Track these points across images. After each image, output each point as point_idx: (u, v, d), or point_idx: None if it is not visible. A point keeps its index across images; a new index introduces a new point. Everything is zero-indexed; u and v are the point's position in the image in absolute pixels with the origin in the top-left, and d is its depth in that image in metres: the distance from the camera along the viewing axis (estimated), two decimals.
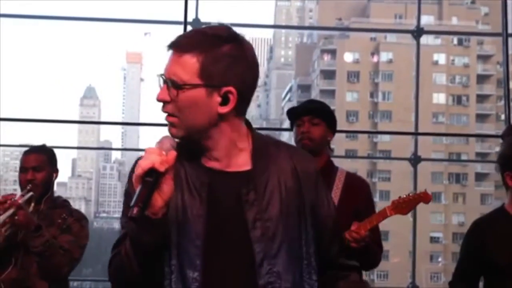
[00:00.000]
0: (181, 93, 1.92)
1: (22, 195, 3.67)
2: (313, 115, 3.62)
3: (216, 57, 1.92)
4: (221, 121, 1.97)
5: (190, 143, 2.01)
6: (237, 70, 1.94)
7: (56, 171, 3.87)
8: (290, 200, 2.03)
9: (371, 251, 3.61)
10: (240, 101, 1.96)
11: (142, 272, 1.94)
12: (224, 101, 1.95)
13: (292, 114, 3.74)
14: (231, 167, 2.03)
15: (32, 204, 3.71)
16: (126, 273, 1.96)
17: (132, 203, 1.79)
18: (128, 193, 2.02)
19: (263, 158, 2.05)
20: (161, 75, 1.97)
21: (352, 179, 3.68)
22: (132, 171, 1.97)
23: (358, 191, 3.66)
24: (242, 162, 2.03)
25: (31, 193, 3.70)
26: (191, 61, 1.92)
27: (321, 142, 3.63)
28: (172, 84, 1.93)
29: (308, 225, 2.06)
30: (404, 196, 3.63)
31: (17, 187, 3.88)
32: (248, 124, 2.08)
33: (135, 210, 1.79)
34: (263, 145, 2.07)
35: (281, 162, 2.07)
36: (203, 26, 2.04)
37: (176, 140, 1.97)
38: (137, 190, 1.82)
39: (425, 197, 3.63)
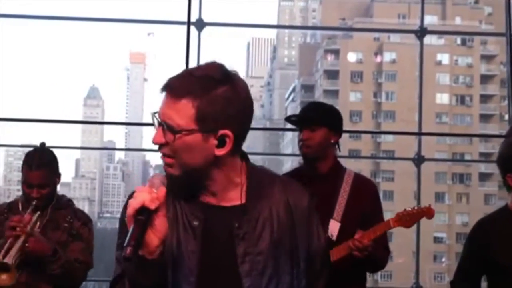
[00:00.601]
0: (177, 137, 1.92)
1: (30, 214, 3.64)
2: (309, 124, 3.59)
3: (211, 101, 1.91)
4: (218, 161, 1.97)
5: (186, 181, 2.00)
6: (233, 112, 1.93)
7: (59, 176, 3.83)
8: (282, 234, 2.04)
9: (376, 258, 3.62)
10: (236, 141, 1.96)
11: None
12: (221, 143, 1.95)
13: (290, 122, 3.73)
14: (226, 201, 2.03)
15: (38, 213, 3.69)
16: None
17: (126, 243, 1.78)
18: (121, 230, 2.00)
19: (256, 192, 2.05)
20: (155, 114, 1.96)
21: (360, 181, 3.66)
22: (125, 207, 1.97)
23: (366, 194, 3.63)
24: (236, 196, 2.03)
25: (38, 213, 3.67)
26: (187, 107, 1.91)
27: (322, 147, 3.60)
28: (167, 128, 1.93)
29: (299, 259, 2.07)
30: (409, 209, 3.64)
31: (21, 187, 3.84)
32: (243, 155, 2.08)
33: (128, 250, 1.78)
34: (257, 179, 2.07)
35: (275, 196, 2.07)
36: (194, 67, 2.01)
37: (167, 175, 1.98)
38: (130, 229, 1.81)
39: (429, 212, 3.66)
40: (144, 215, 1.82)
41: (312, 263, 2.11)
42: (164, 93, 1.96)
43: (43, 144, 3.91)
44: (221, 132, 1.93)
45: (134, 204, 1.83)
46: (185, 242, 1.99)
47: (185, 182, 2.00)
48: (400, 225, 3.61)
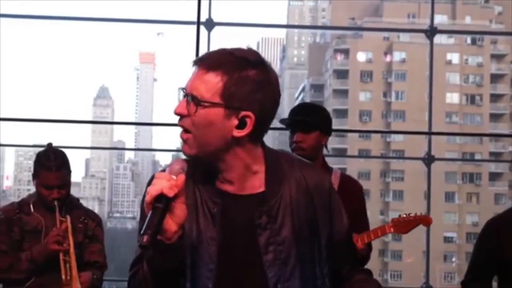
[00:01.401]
0: (199, 109, 1.90)
1: (61, 220, 3.68)
2: (305, 128, 3.62)
3: (241, 80, 1.90)
4: (235, 144, 1.95)
5: (203, 163, 1.99)
6: (259, 96, 1.92)
7: (70, 173, 3.84)
8: (303, 222, 2.02)
9: (366, 260, 3.68)
10: (257, 127, 1.94)
11: None
12: (241, 125, 1.92)
13: (284, 124, 3.74)
14: (245, 190, 2.01)
15: (68, 217, 3.73)
16: None
17: (142, 231, 1.79)
18: (142, 215, 2.00)
19: (276, 179, 2.02)
20: (183, 88, 1.94)
21: (346, 181, 3.71)
22: (145, 194, 1.97)
23: (353, 193, 3.68)
24: (256, 184, 2.01)
25: (68, 217, 3.71)
26: (215, 80, 1.90)
27: (315, 149, 3.63)
28: (192, 99, 1.91)
29: (321, 246, 2.05)
30: (405, 215, 3.68)
31: (31, 187, 3.85)
32: (262, 144, 2.06)
33: (145, 238, 1.78)
34: (276, 166, 2.04)
35: (294, 182, 2.04)
36: (229, 48, 1.97)
37: (187, 160, 1.96)
38: (148, 217, 1.81)
39: (426, 220, 3.69)
40: (163, 202, 1.82)
41: (335, 248, 2.09)
42: (195, 67, 1.95)
43: (50, 144, 3.90)
44: (244, 113, 1.91)
45: (152, 191, 1.82)
46: (205, 228, 1.98)
47: (201, 163, 1.99)
48: (396, 231, 3.65)
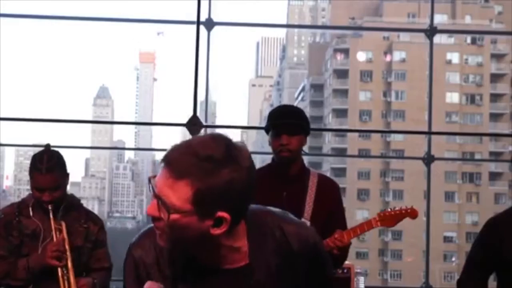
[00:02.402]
0: (171, 217, 1.84)
1: (58, 226, 3.65)
2: (292, 131, 3.66)
3: (211, 185, 1.83)
4: (214, 239, 1.90)
5: (179, 254, 1.97)
6: (233, 195, 1.85)
7: (67, 176, 3.76)
8: (287, 284, 2.02)
9: (343, 260, 3.79)
10: (235, 219, 1.89)
11: None
12: (217, 223, 1.86)
13: (273, 126, 3.75)
14: (227, 264, 1.97)
15: (63, 223, 3.67)
16: None
17: None
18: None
19: (259, 250, 1.99)
20: (150, 181, 1.90)
21: (324, 181, 3.79)
22: (127, 258, 2.02)
23: (331, 193, 3.77)
24: (239, 258, 1.97)
25: (63, 223, 3.67)
26: (185, 189, 1.83)
27: (299, 151, 3.70)
28: (162, 205, 1.85)
29: None
30: (390, 209, 3.73)
31: (31, 191, 3.79)
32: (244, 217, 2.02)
33: None
34: (259, 236, 2.00)
35: (279, 249, 2.02)
36: (195, 142, 1.89)
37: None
38: None
39: (412, 213, 3.72)
40: None
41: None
42: (162, 164, 1.88)
43: (48, 145, 3.82)
44: (219, 214, 1.85)
45: None
46: None
47: (177, 256, 1.96)
48: (383, 225, 3.71)
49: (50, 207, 3.62)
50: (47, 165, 3.63)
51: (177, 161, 1.85)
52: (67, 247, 3.57)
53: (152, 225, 1.93)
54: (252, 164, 1.90)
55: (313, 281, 2.08)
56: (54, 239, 3.59)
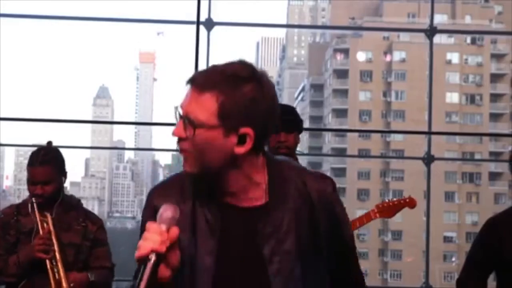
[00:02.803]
0: (197, 132, 1.88)
1: (42, 219, 3.63)
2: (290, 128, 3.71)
3: (235, 98, 1.86)
4: (237, 160, 1.92)
5: (204, 179, 1.97)
6: (256, 112, 1.89)
7: (65, 175, 3.75)
8: (307, 233, 1.99)
9: None
10: (257, 140, 1.91)
11: None
12: (241, 141, 1.90)
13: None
14: (247, 202, 1.97)
15: (49, 214, 3.66)
16: None
17: (136, 285, 1.77)
18: (142, 226, 1.97)
19: (279, 190, 1.99)
20: (177, 109, 1.92)
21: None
22: (146, 206, 2.04)
23: None
24: (258, 196, 1.98)
25: (49, 215, 3.65)
26: (210, 102, 1.87)
27: (295, 147, 3.75)
28: (189, 122, 1.88)
29: (324, 257, 2.03)
30: (388, 200, 3.72)
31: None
32: (264, 152, 2.02)
33: None
34: (279, 176, 2.01)
35: (297, 193, 2.01)
36: (222, 64, 1.94)
37: (186, 175, 1.97)
38: (141, 270, 1.78)
39: (411, 203, 3.73)
40: (155, 257, 1.80)
41: (339, 258, 2.07)
42: (188, 86, 1.92)
43: (49, 143, 3.86)
44: (243, 130, 1.88)
45: (143, 250, 1.79)
46: (202, 242, 1.96)
47: (202, 181, 1.97)
48: (382, 216, 3.71)
49: (34, 200, 3.63)
50: (42, 158, 3.65)
51: (202, 76, 1.91)
52: (54, 240, 3.56)
53: (172, 174, 1.99)
54: (275, 95, 1.96)
55: (331, 238, 2.04)
56: (40, 232, 3.58)
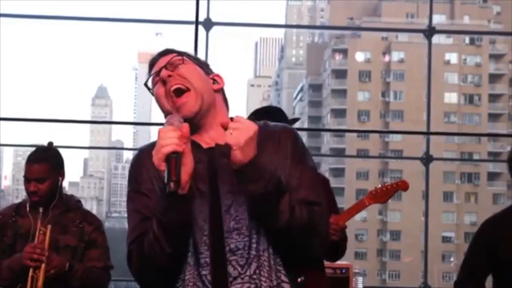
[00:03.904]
0: (185, 60, 2.20)
1: (39, 222, 3.59)
2: None
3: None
4: (216, 97, 2.19)
5: (193, 123, 2.10)
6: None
7: (62, 174, 3.71)
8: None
9: (341, 250, 3.76)
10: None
11: (173, 253, 1.99)
12: (214, 82, 2.22)
13: None
14: (216, 141, 2.12)
15: (41, 212, 3.61)
16: (157, 258, 2.00)
17: (166, 180, 1.86)
18: (132, 175, 2.25)
19: None
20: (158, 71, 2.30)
21: None
22: (137, 158, 2.29)
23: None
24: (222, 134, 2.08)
25: (49, 227, 3.59)
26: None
27: None
28: (174, 62, 2.20)
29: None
30: (381, 185, 3.74)
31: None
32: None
33: (172, 185, 1.85)
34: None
35: (263, 128, 2.13)
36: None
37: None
38: (166, 168, 1.88)
39: (403, 185, 3.75)
40: (176, 153, 1.90)
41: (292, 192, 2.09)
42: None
43: (50, 143, 3.84)
44: (213, 75, 2.25)
45: (166, 149, 1.91)
46: (196, 183, 2.06)
47: (196, 120, 2.13)
48: (375, 202, 3.74)
49: (34, 198, 3.62)
50: (38, 155, 3.66)
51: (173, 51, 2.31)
52: (45, 252, 3.48)
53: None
54: None
55: (295, 162, 2.13)
56: (36, 240, 3.54)
